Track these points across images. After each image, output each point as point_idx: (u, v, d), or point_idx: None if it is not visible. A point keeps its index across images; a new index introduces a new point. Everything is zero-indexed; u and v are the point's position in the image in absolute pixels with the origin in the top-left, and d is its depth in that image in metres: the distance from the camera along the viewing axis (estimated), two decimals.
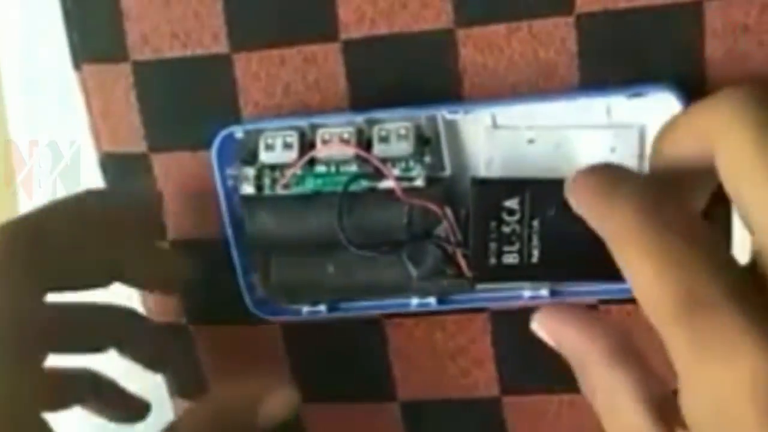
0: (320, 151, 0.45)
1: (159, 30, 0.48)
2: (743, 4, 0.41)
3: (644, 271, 0.29)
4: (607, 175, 0.32)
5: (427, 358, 0.50)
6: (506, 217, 0.38)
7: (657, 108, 0.41)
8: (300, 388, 0.48)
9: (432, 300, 0.47)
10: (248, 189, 0.46)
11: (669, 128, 0.33)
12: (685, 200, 0.31)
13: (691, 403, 0.29)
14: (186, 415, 0.45)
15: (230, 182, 0.47)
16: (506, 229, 0.38)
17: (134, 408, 0.50)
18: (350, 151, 0.45)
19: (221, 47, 0.47)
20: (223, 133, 0.46)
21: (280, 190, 0.46)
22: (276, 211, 0.47)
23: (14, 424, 0.40)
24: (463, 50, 0.44)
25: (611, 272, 0.32)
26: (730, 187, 0.29)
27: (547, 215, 0.38)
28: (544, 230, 0.38)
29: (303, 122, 0.45)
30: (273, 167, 0.46)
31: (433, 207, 0.44)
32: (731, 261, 0.29)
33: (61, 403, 0.45)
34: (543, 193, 0.37)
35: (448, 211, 0.44)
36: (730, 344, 0.27)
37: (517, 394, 0.49)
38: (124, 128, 0.50)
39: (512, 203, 0.38)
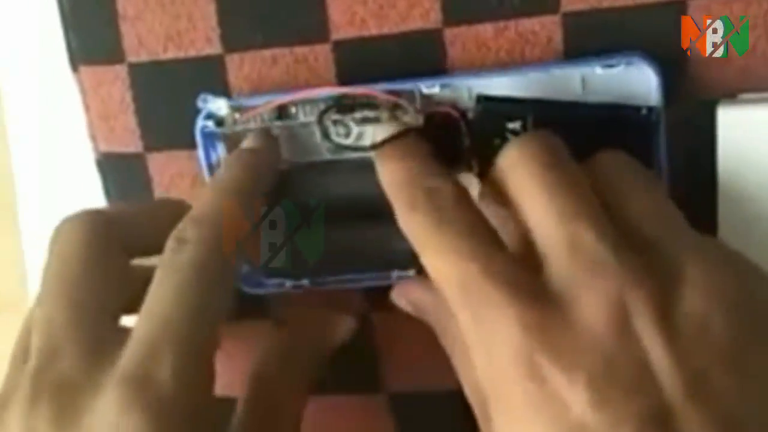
0: (294, 99, 0.43)
1: (154, 32, 0.46)
2: (727, 3, 0.40)
3: (433, 264, 0.36)
4: (401, 174, 0.39)
5: (414, 349, 0.48)
6: (510, 137, 0.40)
7: (631, 79, 0.40)
8: None
9: (412, 273, 0.45)
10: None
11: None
12: (469, 202, 0.37)
13: (479, 369, 0.34)
14: (268, 341, 0.46)
15: (214, 159, 0.45)
16: None
17: None
18: (330, 91, 0.43)
19: (214, 48, 0.45)
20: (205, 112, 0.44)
21: (238, 127, 0.44)
22: None
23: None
24: (451, 49, 0.43)
25: None
26: (518, 204, 0.36)
27: None
28: None
29: (284, 98, 0.43)
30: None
31: (450, 110, 0.42)
32: (500, 249, 0.35)
33: None
34: (544, 117, 0.39)
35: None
36: (492, 320, 0.33)
37: None
38: (121, 129, 0.48)
39: (515, 125, 0.40)
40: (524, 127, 0.40)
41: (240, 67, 0.45)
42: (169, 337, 0.37)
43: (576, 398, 0.31)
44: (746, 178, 0.39)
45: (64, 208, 0.52)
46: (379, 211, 0.41)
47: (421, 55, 0.43)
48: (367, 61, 0.44)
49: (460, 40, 0.43)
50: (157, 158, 0.48)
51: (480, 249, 0.35)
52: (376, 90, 0.42)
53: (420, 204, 0.37)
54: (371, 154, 0.40)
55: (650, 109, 0.39)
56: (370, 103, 0.42)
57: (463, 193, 0.37)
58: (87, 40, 0.48)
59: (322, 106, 0.43)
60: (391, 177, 0.39)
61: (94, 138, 0.50)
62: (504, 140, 0.40)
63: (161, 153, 0.48)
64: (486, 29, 0.42)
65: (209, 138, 0.45)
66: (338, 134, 0.43)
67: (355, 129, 0.43)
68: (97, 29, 0.47)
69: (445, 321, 0.41)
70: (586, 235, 0.34)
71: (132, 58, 0.47)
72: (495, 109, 0.40)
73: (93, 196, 0.50)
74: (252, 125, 0.44)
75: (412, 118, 0.42)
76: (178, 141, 0.47)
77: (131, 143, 0.48)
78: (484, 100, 0.41)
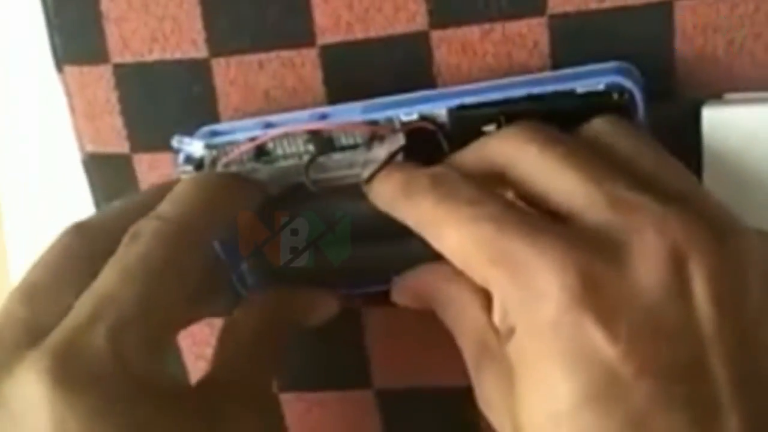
0: (271, 137, 0.42)
1: (138, 33, 0.46)
2: (713, 4, 0.40)
3: (451, 236, 0.35)
4: (399, 177, 0.38)
5: (403, 346, 0.48)
6: None
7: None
8: (278, 378, 0.48)
9: None
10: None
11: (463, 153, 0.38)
12: (466, 176, 0.36)
13: (517, 321, 0.34)
14: (241, 310, 0.45)
15: None
16: None
17: None
18: (302, 129, 0.42)
19: (200, 52, 0.45)
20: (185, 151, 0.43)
21: (220, 168, 0.43)
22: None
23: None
24: (437, 52, 0.43)
25: None
26: (531, 183, 0.35)
27: None
28: None
29: (261, 138, 0.42)
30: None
31: (428, 125, 0.41)
32: (519, 207, 0.35)
33: None
34: (518, 117, 0.38)
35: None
36: (535, 270, 0.32)
37: None
38: (107, 129, 0.48)
39: (490, 129, 0.39)
40: (499, 129, 0.39)
41: (226, 71, 0.45)
42: (108, 311, 0.37)
43: (611, 349, 0.31)
44: (731, 178, 0.39)
45: (51, 209, 0.52)
46: (375, 230, 0.42)
47: (408, 58, 0.43)
48: (354, 66, 0.44)
49: (446, 43, 0.42)
50: (143, 159, 0.48)
51: (498, 207, 0.34)
52: (354, 120, 0.41)
53: (418, 187, 0.36)
54: (363, 187, 0.40)
55: (621, 93, 0.39)
56: (349, 145, 0.42)
57: (457, 171, 0.37)
58: (71, 41, 0.48)
59: (300, 143, 0.42)
60: (387, 190, 0.38)
61: (80, 138, 0.49)
62: None
63: (148, 154, 0.48)
64: (472, 31, 0.42)
65: None
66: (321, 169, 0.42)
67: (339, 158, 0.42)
68: (80, 30, 0.47)
69: (444, 292, 0.40)
70: (627, 192, 0.33)
71: (117, 59, 0.46)
72: (468, 116, 0.40)
73: (80, 197, 0.50)
74: (233, 168, 0.43)
75: (391, 137, 0.41)
76: (165, 142, 0.45)
77: (117, 144, 0.48)
78: (455, 110, 0.40)
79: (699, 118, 0.39)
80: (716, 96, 0.40)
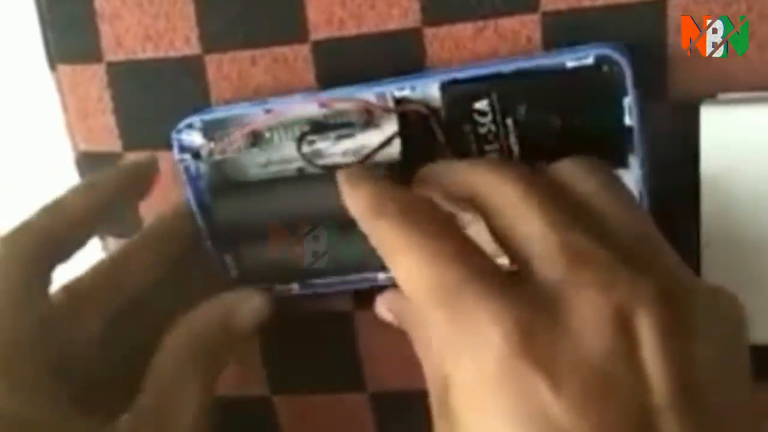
0: (268, 121, 0.43)
1: (132, 32, 0.46)
2: (705, 3, 0.39)
3: (405, 266, 0.34)
4: (372, 193, 0.37)
5: (397, 348, 0.47)
6: (479, 119, 0.40)
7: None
8: (271, 380, 0.48)
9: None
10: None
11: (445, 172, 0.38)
12: (437, 209, 0.36)
13: (453, 370, 0.33)
14: (166, 337, 0.43)
15: (193, 170, 0.44)
16: (482, 130, 0.40)
17: None
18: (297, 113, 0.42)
19: (193, 49, 0.45)
20: (182, 125, 0.43)
21: (218, 156, 0.44)
22: (240, 196, 0.44)
23: None
24: (430, 49, 0.43)
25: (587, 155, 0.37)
26: (498, 219, 0.35)
27: (518, 114, 0.40)
28: (519, 128, 0.40)
29: (257, 108, 0.43)
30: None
31: (422, 108, 0.41)
32: (477, 252, 0.34)
33: None
34: (509, 92, 0.39)
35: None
36: (475, 320, 0.32)
37: None
38: (99, 127, 0.48)
39: (481, 105, 0.40)
40: (491, 105, 0.40)
41: (219, 67, 0.45)
42: None
43: (559, 408, 0.30)
44: (729, 177, 0.39)
45: None
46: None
47: (401, 55, 0.43)
48: (346, 62, 0.44)
49: (439, 39, 0.42)
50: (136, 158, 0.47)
51: (457, 248, 0.34)
52: (347, 97, 0.41)
53: (387, 210, 0.35)
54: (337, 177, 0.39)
55: (611, 65, 0.39)
56: (343, 123, 0.42)
57: (431, 201, 0.36)
58: (65, 39, 0.48)
59: (296, 130, 0.42)
60: (358, 202, 0.38)
61: (72, 137, 0.49)
62: (474, 125, 0.40)
63: (140, 153, 0.47)
64: (465, 28, 0.42)
65: (196, 177, 0.45)
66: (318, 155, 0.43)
67: (335, 145, 0.43)
68: (74, 28, 0.47)
69: (416, 326, 0.40)
70: (582, 241, 0.33)
71: (110, 57, 0.46)
72: (460, 91, 0.40)
73: None
74: (229, 156, 0.43)
75: (386, 122, 0.41)
76: (157, 141, 0.46)
77: (110, 142, 0.48)
78: (448, 84, 0.40)
79: (697, 117, 0.39)
80: (709, 95, 0.40)
